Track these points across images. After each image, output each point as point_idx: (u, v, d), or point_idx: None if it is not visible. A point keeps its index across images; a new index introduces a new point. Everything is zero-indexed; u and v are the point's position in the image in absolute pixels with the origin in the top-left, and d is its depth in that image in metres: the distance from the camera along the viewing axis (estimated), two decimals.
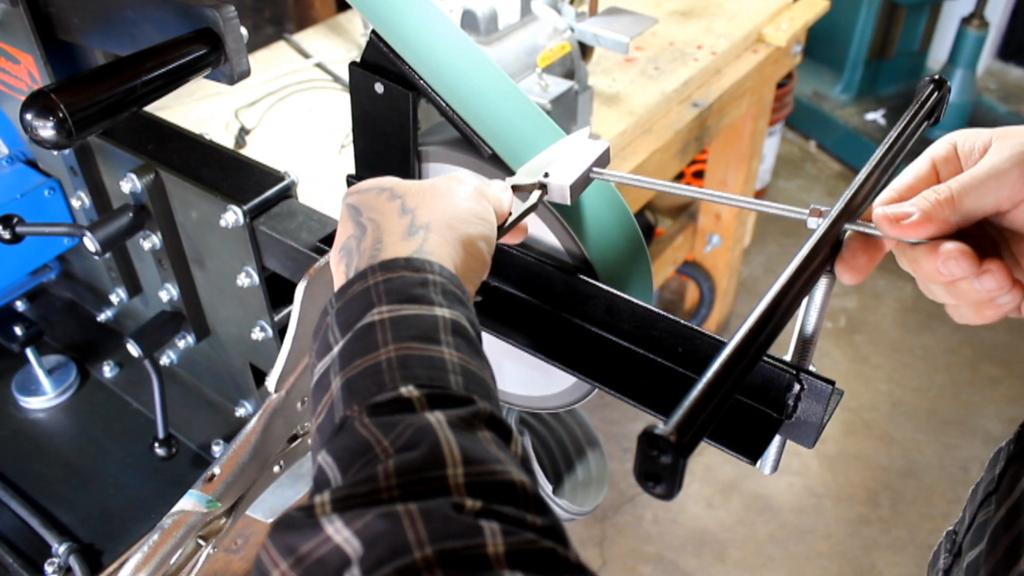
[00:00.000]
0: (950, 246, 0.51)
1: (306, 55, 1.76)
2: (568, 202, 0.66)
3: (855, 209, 0.57)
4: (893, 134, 0.60)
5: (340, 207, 0.62)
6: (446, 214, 0.58)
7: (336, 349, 0.50)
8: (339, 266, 0.59)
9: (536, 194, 0.66)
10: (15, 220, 0.90)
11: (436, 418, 0.43)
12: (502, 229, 0.63)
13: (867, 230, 0.55)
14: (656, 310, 0.67)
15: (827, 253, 0.55)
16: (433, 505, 0.38)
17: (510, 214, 0.64)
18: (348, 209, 0.61)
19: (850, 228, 0.56)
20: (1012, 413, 2.52)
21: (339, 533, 0.37)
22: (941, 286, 0.53)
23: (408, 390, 0.45)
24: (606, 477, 0.99)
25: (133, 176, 0.89)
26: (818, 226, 0.55)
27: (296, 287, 0.72)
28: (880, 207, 0.54)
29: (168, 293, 1.00)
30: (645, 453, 0.40)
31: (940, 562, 0.71)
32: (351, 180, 0.84)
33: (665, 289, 2.83)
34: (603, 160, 0.69)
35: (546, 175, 0.66)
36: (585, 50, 1.53)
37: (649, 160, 1.59)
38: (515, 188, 0.66)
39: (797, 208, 0.59)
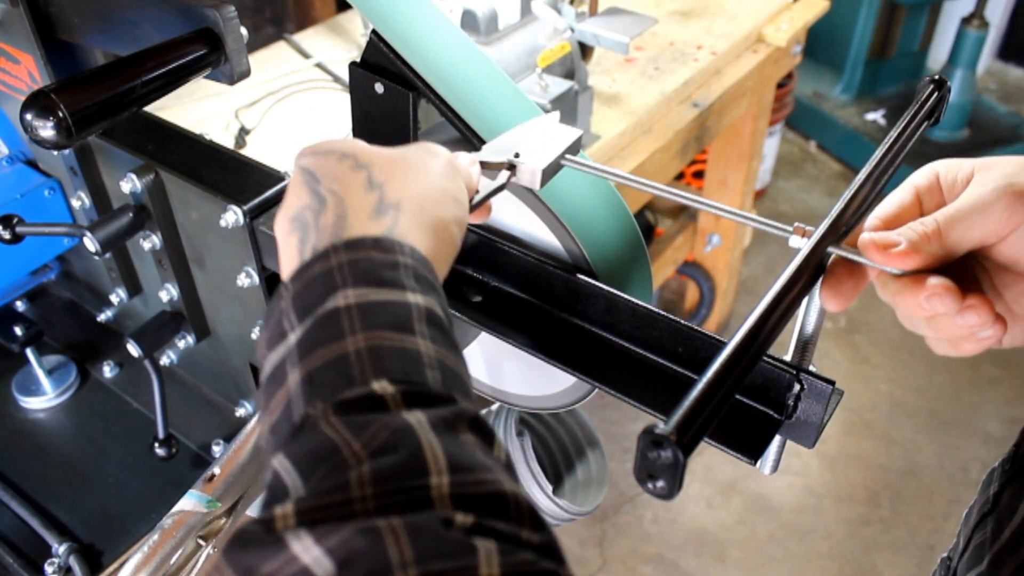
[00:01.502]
0: (934, 281, 0.49)
1: (306, 55, 1.76)
2: (537, 187, 0.63)
3: (840, 230, 0.55)
4: (893, 134, 0.60)
5: (292, 167, 0.55)
6: (419, 193, 0.52)
7: (293, 337, 0.45)
8: (289, 238, 0.51)
9: (505, 174, 0.62)
10: (15, 220, 0.90)
11: (416, 418, 0.39)
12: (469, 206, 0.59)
13: (851, 255, 0.53)
14: (656, 310, 0.67)
15: (811, 275, 0.53)
16: (420, 520, 0.34)
17: (477, 192, 0.60)
18: (303, 173, 0.53)
19: (834, 252, 0.54)
20: (1012, 413, 2.52)
21: (308, 552, 0.33)
22: (922, 320, 0.52)
23: (381, 385, 0.41)
24: (606, 477, 0.99)
25: (133, 176, 0.89)
26: (801, 246, 0.53)
27: None
28: (867, 233, 0.53)
29: (168, 293, 1.00)
30: (645, 453, 0.40)
31: None
32: None
33: (665, 289, 2.83)
34: (574, 148, 0.66)
35: (516, 155, 0.63)
36: (585, 50, 1.53)
37: (649, 160, 1.59)
38: (482, 165, 0.62)
39: (781, 224, 0.57)
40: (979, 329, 0.50)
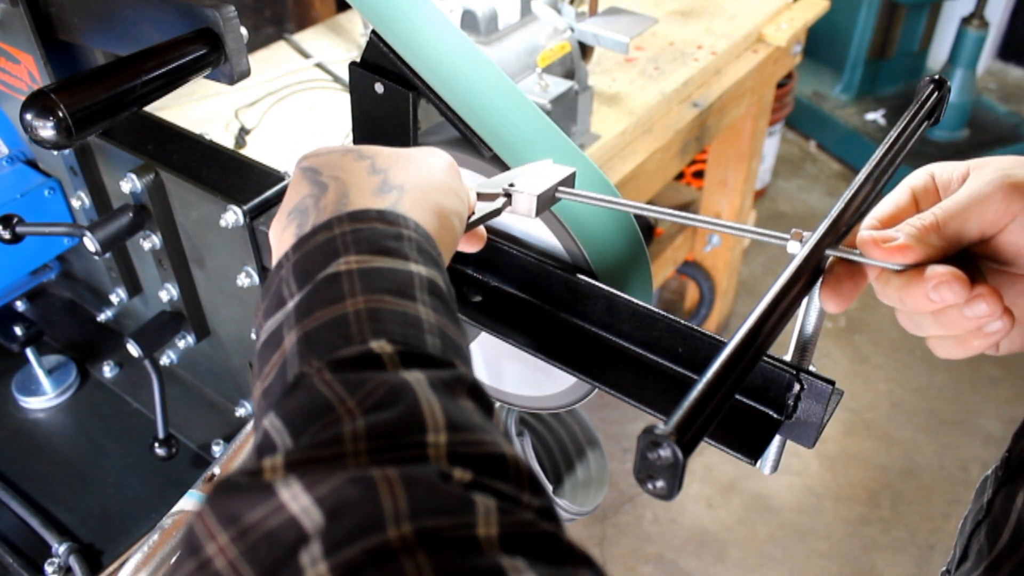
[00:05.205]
0: (941, 269, 0.48)
1: (306, 55, 1.76)
2: (533, 215, 0.65)
3: (839, 232, 0.55)
4: (893, 134, 0.60)
5: (293, 171, 0.55)
6: (422, 179, 0.53)
7: (292, 303, 0.43)
8: (287, 230, 0.50)
9: (501, 200, 0.64)
10: (15, 220, 0.90)
11: (415, 377, 0.37)
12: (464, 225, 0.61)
13: (850, 256, 0.53)
14: (656, 310, 0.67)
15: (810, 277, 0.53)
16: (417, 472, 0.32)
17: (472, 214, 0.62)
18: (303, 172, 0.53)
19: (832, 254, 0.54)
20: (1012, 413, 2.52)
21: (296, 500, 0.31)
22: (928, 315, 0.51)
23: (379, 345, 0.39)
24: (606, 477, 0.99)
25: (133, 176, 0.89)
26: (799, 252, 0.53)
27: None
28: (865, 231, 0.53)
29: (168, 293, 1.00)
30: (645, 453, 0.40)
31: None
32: None
33: (665, 289, 2.83)
34: (569, 182, 0.68)
35: (511, 185, 0.65)
36: (585, 50, 1.53)
37: (649, 160, 1.59)
38: (479, 197, 0.64)
39: (778, 233, 0.56)
40: (989, 320, 0.48)
